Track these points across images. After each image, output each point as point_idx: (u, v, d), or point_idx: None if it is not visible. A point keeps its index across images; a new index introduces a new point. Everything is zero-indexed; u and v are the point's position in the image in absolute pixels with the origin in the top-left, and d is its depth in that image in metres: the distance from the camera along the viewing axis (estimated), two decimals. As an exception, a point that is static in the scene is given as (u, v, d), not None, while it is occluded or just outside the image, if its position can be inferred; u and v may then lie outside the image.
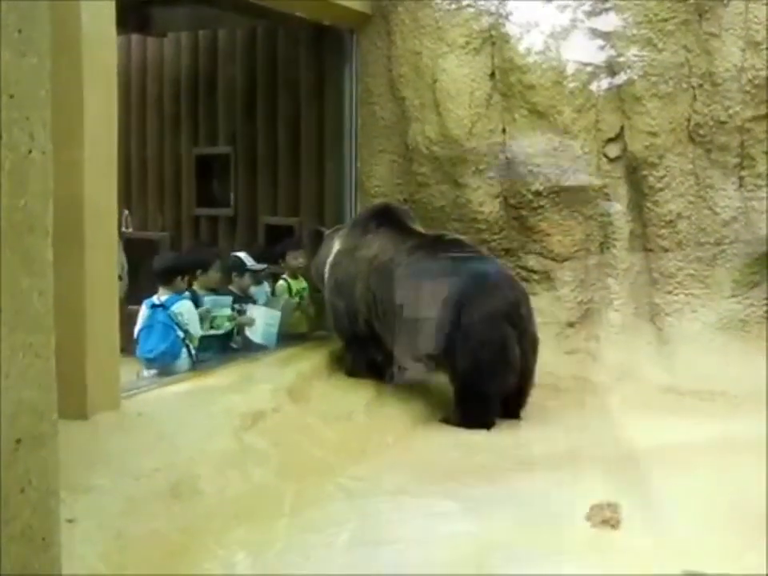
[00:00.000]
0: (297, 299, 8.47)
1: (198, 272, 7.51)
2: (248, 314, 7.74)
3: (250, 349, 7.73)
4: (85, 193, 4.96)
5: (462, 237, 7.69)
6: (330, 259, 7.77)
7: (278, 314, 7.90)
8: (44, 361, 2.15)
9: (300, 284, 8.56)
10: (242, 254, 8.14)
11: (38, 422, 2.13)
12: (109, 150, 5.25)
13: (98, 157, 5.10)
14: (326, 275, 7.81)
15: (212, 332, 7.39)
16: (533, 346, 6.99)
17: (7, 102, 2.05)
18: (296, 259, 8.53)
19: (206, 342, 7.30)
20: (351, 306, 7.50)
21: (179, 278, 7.08)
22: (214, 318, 7.37)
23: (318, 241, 8.18)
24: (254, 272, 8.03)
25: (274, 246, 8.82)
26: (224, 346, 7.66)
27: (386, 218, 7.68)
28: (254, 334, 7.73)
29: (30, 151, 2.10)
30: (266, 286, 8.33)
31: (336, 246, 7.79)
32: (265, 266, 8.19)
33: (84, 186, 4.95)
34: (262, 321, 7.74)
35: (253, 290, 8.12)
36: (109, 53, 5.29)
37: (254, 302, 7.98)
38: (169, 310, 6.85)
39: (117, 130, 5.38)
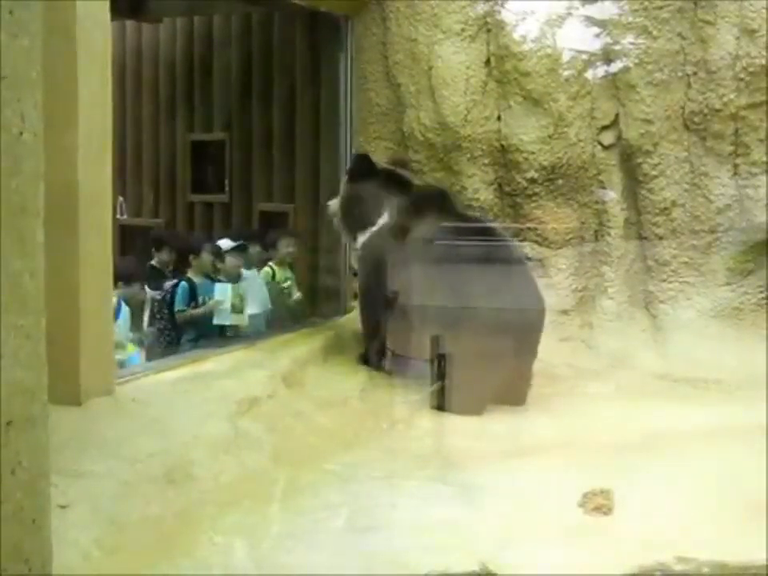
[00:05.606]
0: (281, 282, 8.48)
1: (191, 257, 7.60)
2: (215, 296, 7.75)
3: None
4: (79, 177, 4.95)
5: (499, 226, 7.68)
6: (375, 229, 7.19)
7: (243, 290, 7.88)
8: (34, 342, 2.15)
9: (285, 273, 8.57)
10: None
11: (29, 404, 2.14)
12: (103, 134, 5.24)
13: (93, 141, 5.08)
14: (364, 246, 7.28)
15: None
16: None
17: (-1, 83, 2.05)
18: (287, 247, 8.54)
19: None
20: (385, 290, 7.05)
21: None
22: None
23: (362, 177, 7.38)
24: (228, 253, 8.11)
25: (267, 232, 8.85)
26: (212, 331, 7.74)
27: (440, 202, 7.35)
28: (221, 316, 7.72)
29: (22, 133, 2.10)
30: (254, 271, 8.39)
31: (385, 215, 7.19)
32: (236, 243, 8.22)
33: (78, 170, 4.93)
34: (228, 302, 7.73)
35: (246, 273, 8.17)
36: (103, 38, 5.26)
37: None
38: None
39: (111, 115, 5.37)
